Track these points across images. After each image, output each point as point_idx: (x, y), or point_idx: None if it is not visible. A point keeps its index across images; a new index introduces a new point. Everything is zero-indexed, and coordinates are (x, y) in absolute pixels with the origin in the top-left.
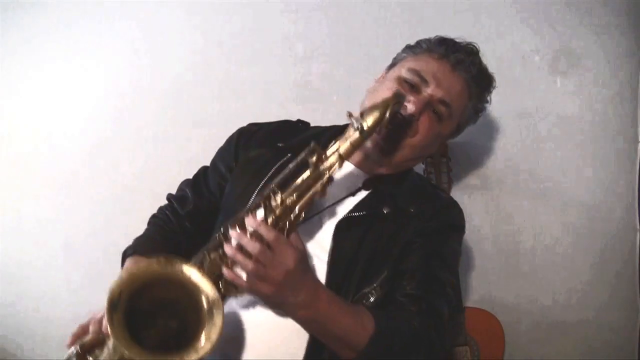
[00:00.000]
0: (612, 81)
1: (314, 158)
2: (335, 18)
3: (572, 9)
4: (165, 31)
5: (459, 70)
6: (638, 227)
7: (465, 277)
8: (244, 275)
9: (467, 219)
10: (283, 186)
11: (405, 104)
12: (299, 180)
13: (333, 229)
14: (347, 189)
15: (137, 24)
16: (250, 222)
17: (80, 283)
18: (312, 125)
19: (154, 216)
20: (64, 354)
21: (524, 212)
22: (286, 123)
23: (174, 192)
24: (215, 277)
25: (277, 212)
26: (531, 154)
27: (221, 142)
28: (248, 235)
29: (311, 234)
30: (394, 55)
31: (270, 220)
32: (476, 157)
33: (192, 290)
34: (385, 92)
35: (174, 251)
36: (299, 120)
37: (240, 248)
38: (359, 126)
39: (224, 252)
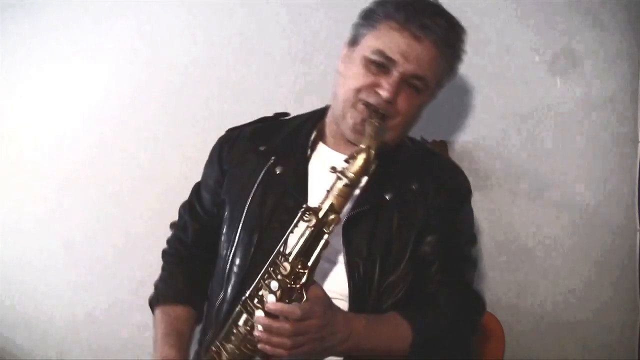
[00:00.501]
0: (612, 81)
1: (312, 221)
2: (336, 18)
3: (572, 9)
4: (165, 31)
5: (424, 37)
6: (638, 227)
7: None
8: (281, 352)
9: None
10: (290, 248)
11: (378, 90)
12: (301, 242)
13: (341, 231)
14: None
15: (136, 24)
16: (272, 308)
17: (80, 283)
18: (292, 115)
19: (165, 253)
20: (63, 354)
21: (524, 212)
22: (264, 122)
23: (174, 192)
24: (250, 351)
25: (289, 279)
26: (531, 154)
27: None
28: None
29: None
30: None
31: (287, 286)
32: (476, 157)
33: None
34: (355, 81)
35: (194, 283)
36: (276, 115)
37: (269, 328)
38: (346, 182)
39: (252, 328)
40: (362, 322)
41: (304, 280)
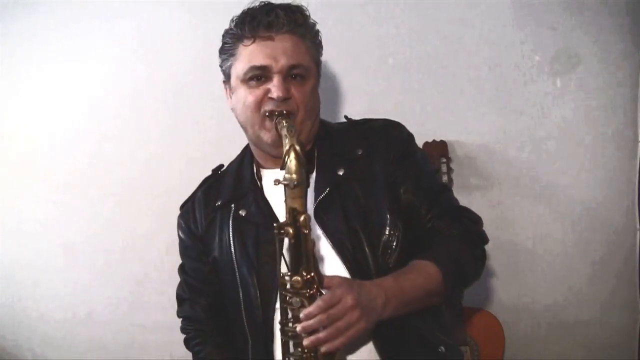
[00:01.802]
0: (612, 81)
1: (290, 231)
2: (335, 18)
3: (572, 9)
4: (165, 31)
5: (275, 33)
6: (638, 227)
7: None
8: (338, 341)
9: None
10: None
11: (271, 95)
12: (294, 254)
13: (316, 222)
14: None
15: (137, 24)
16: (303, 317)
17: (80, 283)
18: (224, 165)
19: (188, 340)
20: (63, 354)
21: (524, 212)
22: (208, 181)
23: (174, 192)
24: (314, 357)
25: (305, 289)
26: (531, 153)
27: (221, 142)
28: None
29: None
30: (394, 55)
31: (307, 296)
32: (476, 157)
33: None
34: (246, 105)
35: (229, 351)
36: (214, 171)
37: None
38: (292, 184)
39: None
40: (389, 279)
41: (316, 282)
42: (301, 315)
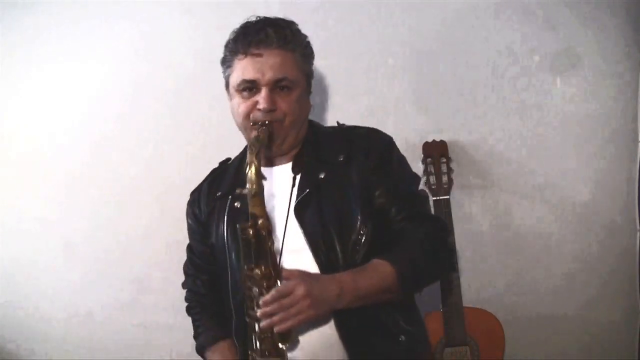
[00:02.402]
0: (612, 81)
1: (248, 231)
2: (335, 18)
3: (572, 9)
4: (165, 31)
5: (263, 49)
6: (638, 227)
7: (466, 277)
8: (288, 323)
9: (467, 219)
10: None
11: (258, 107)
12: (254, 251)
13: (295, 218)
14: (287, 185)
15: (137, 24)
16: (262, 302)
17: (80, 283)
18: (231, 158)
19: (189, 307)
20: (63, 354)
21: (523, 212)
22: (214, 173)
23: (174, 192)
24: (272, 342)
25: (264, 280)
26: (531, 153)
27: (221, 142)
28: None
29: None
30: (394, 55)
31: (265, 286)
32: (476, 157)
33: None
34: (240, 113)
35: (223, 321)
36: (221, 163)
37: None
38: (251, 193)
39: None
40: (347, 275)
41: (274, 276)
42: (260, 301)
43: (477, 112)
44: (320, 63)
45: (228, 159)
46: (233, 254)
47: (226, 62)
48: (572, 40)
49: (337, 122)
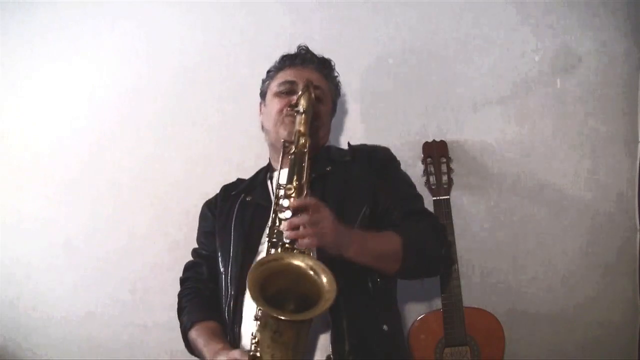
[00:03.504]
0: (612, 81)
1: (292, 148)
2: (335, 18)
3: (572, 9)
4: (165, 31)
5: (306, 65)
6: (638, 227)
7: (466, 277)
8: (314, 239)
9: (467, 218)
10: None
11: (293, 103)
12: (291, 166)
13: None
14: None
15: (137, 23)
16: (292, 204)
17: (80, 283)
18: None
19: (182, 294)
20: (63, 354)
21: (524, 212)
22: (229, 183)
23: (174, 192)
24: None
25: (295, 193)
26: (531, 153)
27: (221, 142)
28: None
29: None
30: (394, 55)
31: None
32: (476, 157)
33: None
34: (275, 107)
35: (215, 308)
36: (238, 179)
37: (295, 225)
38: (302, 109)
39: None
40: (357, 230)
41: (305, 192)
42: (288, 203)
43: (477, 112)
44: None
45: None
46: (238, 246)
47: (268, 76)
48: (572, 40)
49: (349, 144)
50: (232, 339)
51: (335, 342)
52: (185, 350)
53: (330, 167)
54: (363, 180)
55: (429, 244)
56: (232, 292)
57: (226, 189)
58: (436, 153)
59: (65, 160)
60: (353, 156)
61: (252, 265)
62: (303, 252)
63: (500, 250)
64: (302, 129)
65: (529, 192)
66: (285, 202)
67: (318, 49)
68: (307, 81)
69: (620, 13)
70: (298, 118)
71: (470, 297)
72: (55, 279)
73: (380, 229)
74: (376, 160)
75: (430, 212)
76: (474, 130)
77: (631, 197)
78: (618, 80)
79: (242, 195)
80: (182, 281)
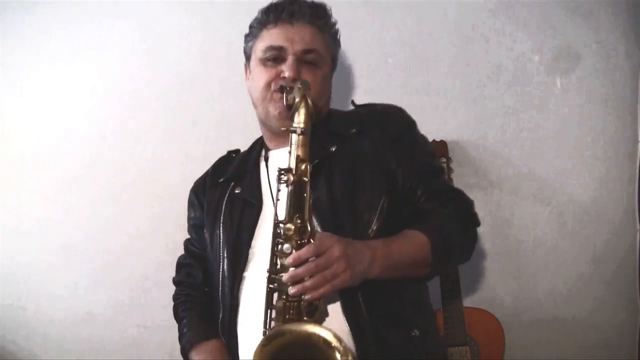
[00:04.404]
0: (612, 81)
1: (290, 178)
2: (335, 18)
3: (572, 9)
4: (165, 31)
5: (296, 20)
6: (638, 227)
7: (466, 277)
8: (323, 289)
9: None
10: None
11: (282, 75)
12: (291, 201)
13: None
14: None
15: (136, 24)
16: (290, 262)
17: (80, 283)
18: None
19: (176, 306)
20: (63, 354)
21: (524, 212)
22: (220, 160)
23: (174, 192)
24: (297, 313)
25: (297, 236)
26: (531, 154)
27: (221, 142)
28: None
29: None
30: (394, 55)
31: (298, 243)
32: (476, 157)
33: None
34: (261, 79)
35: (214, 318)
36: (228, 152)
37: (297, 277)
38: (299, 130)
39: (287, 295)
40: (378, 241)
41: (309, 231)
42: (288, 260)
43: (477, 112)
44: None
45: (238, 150)
46: (225, 245)
47: (251, 34)
48: (572, 40)
49: (352, 102)
50: (228, 346)
51: (357, 351)
52: None
53: (335, 147)
54: (376, 159)
55: (459, 237)
56: (224, 309)
57: (215, 171)
58: (436, 153)
59: (65, 160)
60: (361, 126)
61: (257, 346)
62: (309, 320)
63: (500, 250)
64: (300, 153)
65: (529, 192)
66: (286, 247)
67: None
68: (302, 87)
69: (620, 13)
70: (295, 139)
71: (470, 297)
72: (55, 279)
73: (401, 214)
74: (390, 127)
75: (455, 189)
76: (474, 130)
77: (631, 197)
78: (618, 80)
79: (232, 184)
80: (176, 283)
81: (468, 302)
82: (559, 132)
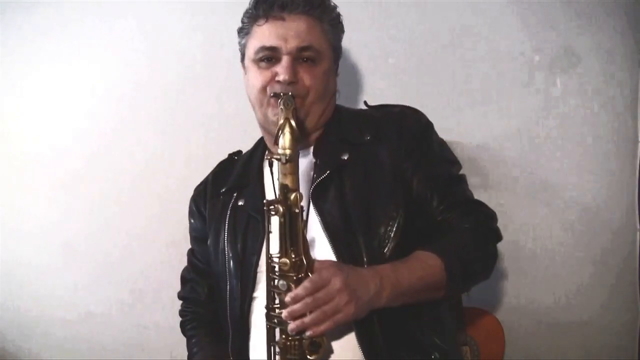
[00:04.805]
0: (612, 81)
1: (280, 209)
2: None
3: (572, 9)
4: (165, 31)
5: (288, 14)
6: (638, 227)
7: None
8: (324, 325)
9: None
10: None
11: (277, 78)
12: (283, 234)
13: (312, 205)
14: (308, 174)
15: (136, 23)
16: (288, 300)
17: (80, 283)
18: (244, 151)
19: (184, 323)
20: (63, 354)
21: (523, 212)
22: (221, 165)
23: (174, 192)
24: (300, 352)
25: (293, 272)
26: (531, 154)
27: (222, 142)
28: (296, 304)
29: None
30: (394, 55)
31: (295, 279)
32: (476, 157)
33: None
34: (257, 82)
35: (222, 337)
36: (230, 155)
37: (296, 314)
38: (284, 159)
39: (287, 333)
40: (386, 267)
41: (305, 266)
42: (287, 298)
43: (477, 112)
44: None
45: (239, 152)
46: (231, 261)
47: (243, 30)
48: (572, 40)
49: (365, 102)
50: None
51: None
52: (185, 351)
53: (347, 155)
54: (393, 168)
55: (477, 255)
56: (234, 331)
57: (217, 179)
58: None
59: (65, 160)
60: (377, 132)
61: None
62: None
63: (500, 250)
64: (289, 182)
65: (529, 192)
66: (281, 284)
67: None
68: (284, 107)
69: (620, 13)
70: (281, 167)
71: (471, 297)
72: (55, 279)
73: (417, 227)
74: (408, 132)
75: (474, 200)
76: (474, 130)
77: (631, 196)
78: (618, 80)
79: (234, 195)
80: (181, 298)
81: (468, 302)
82: (559, 132)
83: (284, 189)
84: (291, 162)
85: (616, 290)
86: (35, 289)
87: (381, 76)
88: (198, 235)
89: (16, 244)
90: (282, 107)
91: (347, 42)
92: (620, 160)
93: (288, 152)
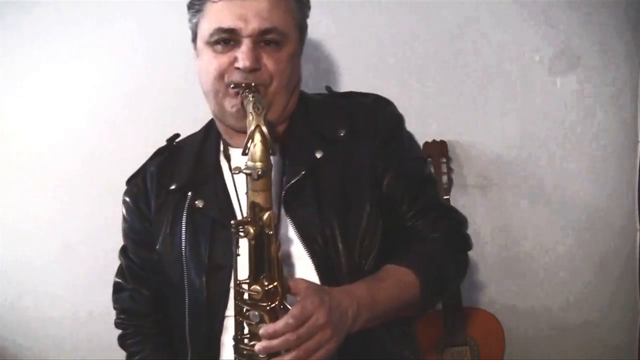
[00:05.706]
0: (612, 81)
1: (250, 231)
2: (335, 17)
3: (572, 9)
4: (165, 31)
5: None
6: (638, 227)
7: (466, 277)
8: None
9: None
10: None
11: (237, 65)
12: (254, 258)
13: (283, 208)
14: (276, 176)
15: (136, 23)
16: (263, 334)
17: (80, 283)
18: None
19: (123, 337)
20: (63, 354)
21: (523, 212)
22: (162, 154)
23: None
24: None
25: (266, 301)
26: (531, 154)
27: None
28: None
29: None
30: (394, 55)
31: (268, 309)
32: (476, 157)
33: None
34: (212, 69)
35: (170, 353)
36: (168, 141)
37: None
38: (256, 174)
39: None
40: (362, 288)
41: (279, 293)
42: (261, 331)
43: (477, 112)
44: (320, 61)
45: (177, 135)
46: (193, 271)
47: (195, 6)
48: (572, 40)
49: (327, 88)
50: None
51: None
52: None
53: (321, 153)
54: (370, 169)
55: (450, 267)
56: (194, 352)
57: (161, 173)
58: (436, 153)
59: (65, 160)
60: (352, 126)
61: None
62: None
63: (500, 251)
64: (260, 200)
65: (529, 192)
66: (252, 315)
67: (318, 49)
68: (254, 111)
69: (620, 13)
70: (251, 184)
71: (470, 297)
72: (55, 279)
73: (387, 228)
74: (382, 124)
75: (445, 205)
76: (474, 130)
77: (631, 197)
78: (618, 80)
79: (189, 195)
80: (117, 309)
81: (468, 302)
82: (559, 132)
83: (255, 207)
84: (264, 177)
85: (616, 290)
86: (35, 288)
87: (381, 76)
88: (137, 238)
89: (16, 244)
90: (251, 111)
91: (347, 41)
92: (620, 160)
93: (259, 165)
